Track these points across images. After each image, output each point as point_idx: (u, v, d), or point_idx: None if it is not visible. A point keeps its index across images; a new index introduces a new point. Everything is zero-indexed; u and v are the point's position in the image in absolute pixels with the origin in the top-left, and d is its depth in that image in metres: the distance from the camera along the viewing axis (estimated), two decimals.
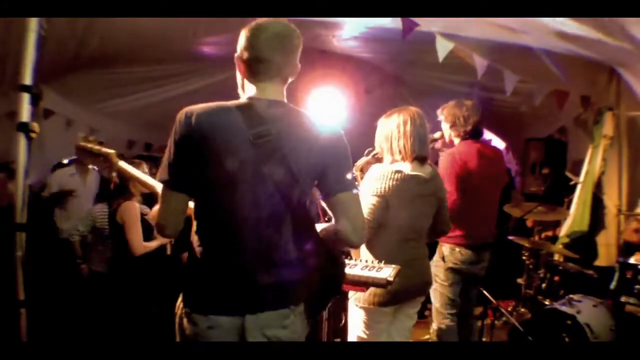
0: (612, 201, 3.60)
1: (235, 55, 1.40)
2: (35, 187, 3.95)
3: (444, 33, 2.92)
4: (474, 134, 2.88)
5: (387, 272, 1.88)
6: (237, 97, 1.45)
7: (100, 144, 1.89)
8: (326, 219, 1.59)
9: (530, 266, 3.90)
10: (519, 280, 4.02)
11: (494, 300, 3.16)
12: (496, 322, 3.35)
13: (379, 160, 2.29)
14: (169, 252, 3.10)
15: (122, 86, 4.79)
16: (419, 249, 2.21)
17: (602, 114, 3.62)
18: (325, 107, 3.03)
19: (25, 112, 1.76)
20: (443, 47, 2.92)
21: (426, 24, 2.74)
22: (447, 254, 2.78)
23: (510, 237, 3.65)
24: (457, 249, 2.76)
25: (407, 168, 2.09)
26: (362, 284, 1.86)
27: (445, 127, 2.93)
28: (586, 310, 2.87)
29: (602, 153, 3.60)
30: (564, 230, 3.85)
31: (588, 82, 3.64)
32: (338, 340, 2.61)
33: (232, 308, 1.33)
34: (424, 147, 2.15)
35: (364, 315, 2.12)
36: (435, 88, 4.79)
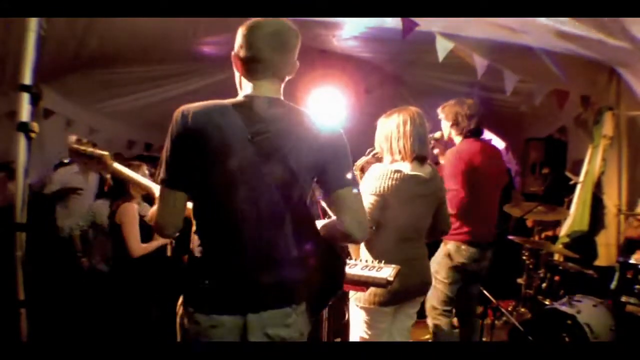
0: (612, 201, 3.60)
1: (232, 53, 1.40)
2: (35, 186, 3.95)
3: (444, 33, 2.92)
4: (475, 133, 2.88)
5: (387, 272, 1.88)
6: (236, 96, 1.45)
7: (94, 145, 1.87)
8: (326, 218, 1.59)
9: (530, 266, 3.90)
10: (519, 280, 4.02)
11: (494, 300, 3.16)
12: (496, 322, 3.35)
13: (379, 159, 2.29)
14: (169, 253, 3.10)
15: (122, 86, 4.79)
16: (419, 249, 2.21)
17: (602, 114, 3.62)
18: (325, 107, 3.03)
19: (25, 112, 1.76)
20: (443, 47, 2.92)
21: (426, 24, 2.74)
22: (453, 251, 2.78)
23: (510, 237, 3.65)
24: (463, 247, 2.77)
25: (407, 168, 2.10)
26: (362, 283, 1.86)
27: (446, 125, 2.94)
28: (586, 310, 2.87)
29: (602, 153, 3.60)
30: (564, 230, 3.85)
31: (588, 82, 3.65)
32: (339, 339, 2.61)
33: (234, 307, 1.33)
34: (424, 147, 2.15)
35: (365, 315, 2.12)
36: (435, 88, 4.78)
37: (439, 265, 2.81)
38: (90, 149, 1.84)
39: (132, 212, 2.80)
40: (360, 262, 2.03)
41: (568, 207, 3.89)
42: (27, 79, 1.77)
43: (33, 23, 1.79)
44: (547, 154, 5.00)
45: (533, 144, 5.20)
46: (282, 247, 1.36)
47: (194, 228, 1.39)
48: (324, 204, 1.52)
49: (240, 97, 1.39)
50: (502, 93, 3.59)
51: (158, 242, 2.88)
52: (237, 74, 1.44)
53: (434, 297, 2.80)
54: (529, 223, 4.44)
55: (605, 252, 3.60)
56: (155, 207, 1.40)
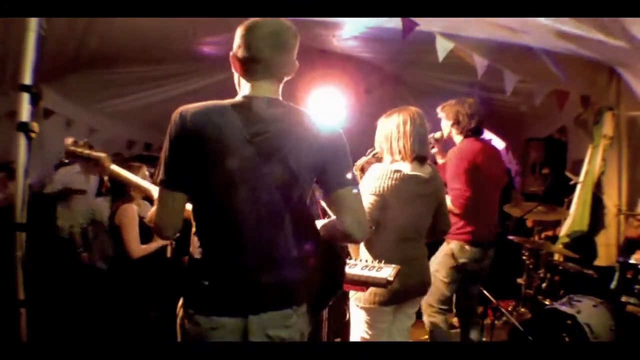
0: (612, 201, 3.60)
1: (231, 53, 1.40)
2: (36, 186, 3.95)
3: (444, 33, 2.92)
4: (476, 132, 2.89)
5: (387, 271, 1.88)
6: (236, 96, 1.44)
7: (91, 147, 1.85)
8: (326, 218, 1.59)
9: (530, 266, 3.90)
10: (519, 280, 4.02)
11: (494, 300, 3.16)
12: (496, 322, 3.35)
13: (379, 159, 2.29)
14: (169, 254, 3.10)
15: (122, 86, 4.79)
16: (419, 249, 2.21)
17: (602, 114, 3.62)
18: (325, 107, 3.03)
19: (25, 112, 1.76)
20: (443, 47, 2.92)
21: (426, 24, 2.74)
22: (457, 251, 2.78)
23: (510, 237, 3.65)
24: (467, 247, 2.77)
25: (407, 168, 2.10)
26: (362, 283, 1.86)
27: (446, 124, 2.94)
28: (586, 310, 2.86)
29: (602, 153, 3.60)
30: (564, 230, 3.85)
31: (588, 82, 3.65)
32: (339, 339, 2.61)
33: (234, 309, 1.32)
34: (424, 147, 2.15)
35: (366, 315, 2.12)
36: (435, 88, 4.79)
37: (439, 265, 2.81)
38: (87, 151, 1.81)
39: (132, 213, 2.80)
40: (360, 262, 2.03)
41: (568, 207, 3.89)
42: (27, 79, 1.77)
43: (33, 23, 1.79)
44: (547, 154, 5.01)
45: (533, 144, 5.20)
46: (282, 248, 1.36)
47: (193, 229, 1.39)
48: (324, 204, 1.52)
49: (238, 98, 1.39)
50: (502, 93, 3.59)
51: (158, 243, 2.88)
52: (235, 75, 1.44)
53: (431, 295, 2.80)
54: (529, 223, 4.44)
55: (605, 252, 3.60)
56: (154, 209, 1.39)
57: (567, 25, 2.61)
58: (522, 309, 3.91)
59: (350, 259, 2.10)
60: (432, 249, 2.74)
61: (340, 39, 3.90)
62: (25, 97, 1.76)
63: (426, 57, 3.74)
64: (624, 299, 2.95)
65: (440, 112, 2.97)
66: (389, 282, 1.82)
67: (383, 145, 2.19)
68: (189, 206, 1.40)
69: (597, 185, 3.66)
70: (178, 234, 1.39)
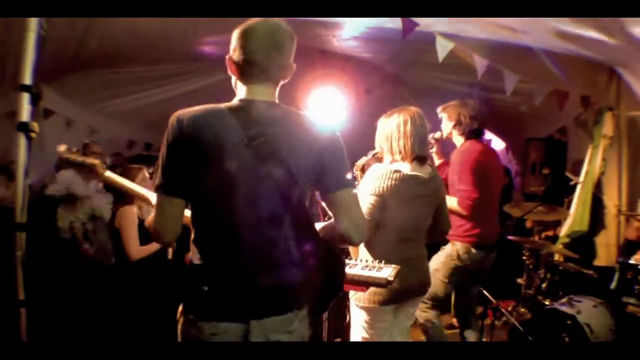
0: (612, 201, 3.60)
1: (227, 56, 1.39)
2: (36, 186, 3.94)
3: (444, 33, 2.92)
4: (477, 133, 2.90)
5: (388, 271, 1.88)
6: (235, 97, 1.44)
7: (84, 155, 1.85)
8: (326, 218, 1.59)
9: (530, 266, 3.90)
10: (519, 280, 4.02)
11: (494, 300, 3.16)
12: (496, 322, 3.35)
13: (379, 160, 2.29)
14: (170, 256, 3.10)
15: (122, 86, 4.79)
16: (419, 249, 2.21)
17: (602, 114, 3.62)
18: (325, 107, 3.02)
19: (25, 112, 1.76)
20: (443, 47, 2.93)
21: (426, 24, 2.74)
22: (462, 253, 2.78)
23: (510, 237, 3.66)
24: (473, 250, 2.77)
25: (407, 168, 2.10)
26: (362, 283, 1.86)
27: (448, 125, 2.94)
28: (586, 310, 2.86)
29: (602, 153, 3.60)
30: (564, 230, 3.85)
31: (588, 82, 3.65)
32: (339, 339, 2.61)
33: (236, 314, 1.32)
34: (424, 147, 2.15)
35: (366, 315, 2.12)
36: (435, 88, 4.79)
37: (440, 265, 2.81)
38: (80, 159, 1.81)
39: (131, 215, 2.80)
40: (361, 262, 2.03)
41: (568, 208, 3.89)
42: (27, 79, 1.77)
43: (33, 23, 1.79)
44: (547, 154, 5.01)
45: (533, 144, 5.21)
46: (282, 251, 1.35)
47: (192, 237, 1.38)
48: (324, 205, 1.52)
49: (235, 101, 1.38)
50: (502, 93, 3.59)
51: (157, 245, 2.88)
52: (233, 77, 1.43)
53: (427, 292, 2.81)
54: (528, 224, 4.44)
55: (605, 252, 3.60)
56: (152, 214, 1.39)
57: (567, 25, 2.61)
58: (522, 309, 3.91)
59: (350, 259, 2.10)
60: (432, 249, 2.74)
61: (341, 39, 3.90)
62: (25, 97, 1.76)
63: (426, 57, 3.74)
64: (624, 299, 2.95)
65: (442, 113, 2.97)
66: (389, 282, 1.82)
67: (383, 145, 2.19)
68: (188, 212, 1.39)
69: (597, 185, 3.66)
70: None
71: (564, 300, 3.04)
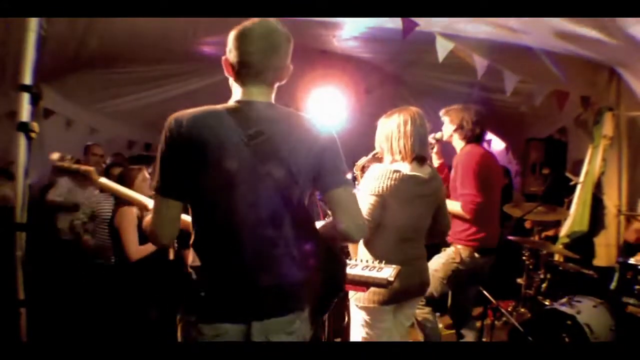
0: (612, 201, 3.60)
1: (223, 57, 1.39)
2: (36, 187, 3.95)
3: (444, 33, 2.92)
4: (478, 138, 2.90)
5: (388, 272, 1.88)
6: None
7: (78, 162, 1.84)
8: (327, 218, 1.59)
9: (530, 266, 3.90)
10: (519, 280, 4.02)
11: (494, 300, 3.16)
12: (496, 322, 3.35)
13: (379, 160, 2.29)
14: (171, 256, 3.10)
15: (122, 86, 4.79)
16: (418, 249, 2.21)
17: (602, 114, 3.62)
18: (325, 107, 3.03)
19: (25, 112, 1.76)
20: (443, 47, 2.92)
21: (426, 24, 2.74)
22: (465, 256, 2.78)
23: (510, 237, 3.66)
24: (477, 255, 2.78)
25: (406, 168, 2.09)
26: (362, 283, 1.86)
27: (449, 128, 2.94)
28: (586, 310, 2.87)
29: (602, 153, 3.60)
30: (564, 231, 3.85)
31: (588, 82, 3.64)
32: (339, 339, 2.61)
33: (237, 315, 1.32)
34: (424, 147, 2.15)
35: (366, 315, 2.12)
36: (435, 88, 4.79)
37: (440, 265, 2.81)
38: (74, 166, 1.81)
39: (131, 216, 2.80)
40: (361, 262, 2.03)
41: (568, 208, 3.89)
42: (27, 79, 1.77)
43: (33, 23, 1.79)
44: (547, 154, 5.01)
45: (533, 144, 5.20)
46: (283, 252, 1.35)
47: (192, 239, 1.38)
48: (324, 205, 1.52)
49: (232, 102, 1.38)
50: (502, 93, 3.59)
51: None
52: (230, 78, 1.44)
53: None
54: (527, 224, 4.44)
55: (605, 252, 3.60)
56: (150, 217, 1.39)
57: (567, 25, 2.61)
58: (522, 309, 3.91)
59: (350, 259, 2.10)
60: (432, 249, 2.74)
61: (341, 39, 3.89)
62: (25, 97, 1.76)
63: (426, 57, 3.73)
64: (624, 299, 2.95)
65: (444, 116, 2.97)
66: (389, 283, 1.82)
67: (383, 145, 2.19)
68: (186, 217, 1.39)
69: (597, 185, 3.66)
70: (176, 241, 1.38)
71: (564, 300, 3.04)
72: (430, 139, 2.91)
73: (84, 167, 1.81)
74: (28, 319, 1.80)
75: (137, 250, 2.77)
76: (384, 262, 1.98)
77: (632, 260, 2.99)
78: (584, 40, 2.77)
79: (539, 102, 3.83)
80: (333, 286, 1.53)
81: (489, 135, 5.59)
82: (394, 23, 2.79)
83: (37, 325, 1.96)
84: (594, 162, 3.66)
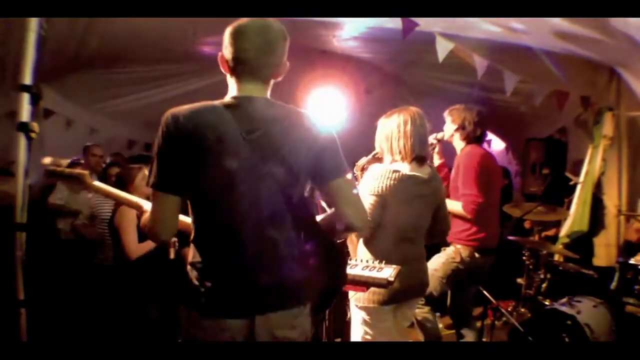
0: (612, 201, 3.60)
1: (219, 53, 1.40)
2: (36, 187, 3.95)
3: (444, 33, 2.92)
4: (479, 139, 2.91)
5: (388, 272, 1.88)
6: None
7: (70, 165, 1.84)
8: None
9: (530, 266, 3.90)
10: (519, 280, 4.02)
11: (494, 300, 3.16)
12: (496, 322, 3.35)
13: (379, 160, 2.29)
14: (172, 255, 3.10)
15: (122, 86, 4.79)
16: (418, 249, 2.21)
17: (602, 114, 3.62)
18: (325, 107, 3.03)
19: (25, 112, 1.76)
20: (443, 47, 2.93)
21: (426, 24, 2.74)
22: (465, 256, 2.78)
23: (510, 237, 3.66)
24: (477, 254, 2.78)
25: (406, 168, 2.09)
26: (362, 283, 1.86)
27: (451, 128, 2.95)
28: (586, 311, 2.87)
29: (602, 153, 3.60)
30: (564, 231, 3.85)
31: (588, 82, 3.65)
32: (339, 339, 2.61)
33: (240, 310, 1.32)
34: (424, 148, 2.15)
35: (366, 315, 2.12)
36: (435, 88, 4.78)
37: (440, 265, 2.81)
38: (67, 170, 1.80)
39: (130, 215, 2.80)
40: (361, 262, 2.03)
41: (568, 208, 3.89)
42: (27, 79, 1.77)
43: (33, 23, 1.79)
44: (547, 154, 5.01)
45: (533, 144, 5.20)
46: (284, 248, 1.35)
47: (192, 236, 1.38)
48: (324, 204, 1.52)
49: (228, 98, 1.38)
50: (502, 93, 3.59)
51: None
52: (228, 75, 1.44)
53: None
54: (527, 224, 4.43)
55: (605, 252, 3.60)
56: (147, 215, 1.39)
57: (567, 25, 2.61)
58: (522, 309, 3.90)
59: (350, 259, 2.10)
60: (431, 249, 2.74)
61: (341, 39, 3.90)
62: (25, 97, 1.76)
63: (426, 57, 3.73)
64: (624, 299, 2.95)
65: (447, 116, 2.98)
66: (389, 283, 1.82)
67: (383, 145, 2.19)
68: (184, 218, 1.39)
69: (597, 185, 3.66)
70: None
71: (564, 300, 3.04)
72: (432, 139, 2.92)
73: (77, 171, 1.80)
74: (28, 319, 1.79)
75: (136, 248, 2.77)
76: (383, 262, 1.98)
77: (632, 260, 2.99)
78: (584, 40, 2.78)
79: (539, 102, 3.83)
80: (335, 282, 1.53)
81: (489, 136, 5.59)
82: (394, 23, 2.79)
83: (37, 325, 1.96)
84: (594, 162, 3.66)
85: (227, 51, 1.37)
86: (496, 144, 5.86)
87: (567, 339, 2.80)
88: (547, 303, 3.42)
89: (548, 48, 3.10)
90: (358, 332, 2.17)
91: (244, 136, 1.29)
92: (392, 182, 2.03)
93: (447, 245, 2.91)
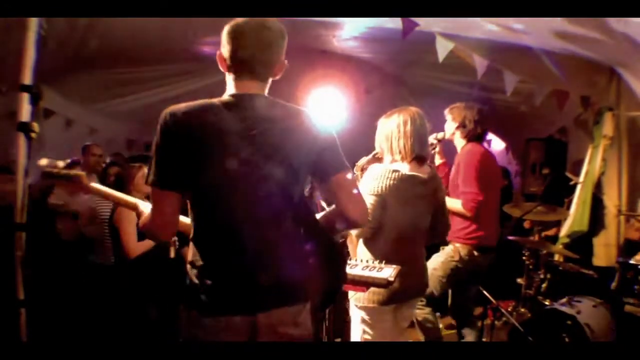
0: (612, 201, 3.60)
1: (217, 52, 1.40)
2: (36, 187, 3.94)
3: (444, 33, 2.92)
4: (480, 137, 2.91)
5: (388, 272, 1.88)
6: None
7: (67, 167, 1.84)
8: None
9: (530, 266, 3.89)
10: (519, 280, 4.01)
11: (494, 300, 3.16)
12: (496, 322, 3.35)
13: (379, 160, 2.29)
14: (172, 255, 3.10)
15: (122, 86, 4.79)
16: (417, 249, 2.21)
17: (602, 114, 3.62)
18: (325, 107, 3.03)
19: (25, 112, 1.76)
20: (443, 47, 2.93)
21: (426, 24, 2.74)
22: (464, 255, 2.78)
23: (510, 237, 3.66)
24: (476, 253, 2.78)
25: (406, 168, 2.10)
26: (362, 283, 1.86)
27: (451, 126, 2.95)
28: (586, 310, 2.86)
29: (602, 153, 3.60)
30: (564, 231, 3.85)
31: (588, 82, 3.64)
32: (339, 339, 2.61)
33: (241, 306, 1.32)
34: (424, 148, 2.15)
35: (366, 315, 2.12)
36: (435, 88, 4.78)
37: (440, 264, 2.81)
38: (64, 172, 1.80)
39: (130, 214, 2.79)
40: (361, 262, 2.03)
41: (568, 208, 3.89)
42: (27, 79, 1.77)
43: (33, 23, 1.79)
44: (547, 154, 5.00)
45: (533, 144, 5.20)
46: (284, 245, 1.36)
47: (191, 234, 1.38)
48: (323, 204, 1.52)
49: (226, 96, 1.38)
50: (502, 93, 3.59)
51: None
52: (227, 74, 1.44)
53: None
54: (527, 224, 4.43)
55: (605, 252, 3.59)
56: (145, 215, 1.38)
57: (567, 25, 2.61)
58: (522, 309, 3.90)
59: (350, 259, 2.10)
60: (431, 249, 2.74)
61: (341, 39, 3.89)
62: (25, 97, 1.76)
63: (426, 57, 3.73)
64: (624, 299, 2.95)
65: (448, 114, 2.98)
66: (389, 283, 1.82)
67: (383, 145, 2.19)
68: (183, 218, 1.39)
69: (597, 185, 3.66)
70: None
71: (564, 300, 3.04)
72: (432, 139, 2.92)
73: (73, 172, 1.80)
74: (28, 319, 1.79)
75: (135, 246, 2.77)
76: (383, 262, 1.98)
77: (632, 260, 2.99)
78: (584, 40, 2.78)
79: (539, 102, 3.83)
80: (335, 280, 1.53)
81: (489, 135, 5.59)
82: (394, 23, 2.79)
83: (37, 325, 1.96)
84: (594, 162, 3.66)
85: (225, 49, 1.37)
86: (496, 144, 5.86)
87: (567, 339, 2.80)
88: (547, 303, 3.41)
89: (548, 48, 3.10)
90: (358, 332, 2.17)
91: (243, 134, 1.29)
92: (391, 182, 2.03)
93: (447, 244, 2.91)
